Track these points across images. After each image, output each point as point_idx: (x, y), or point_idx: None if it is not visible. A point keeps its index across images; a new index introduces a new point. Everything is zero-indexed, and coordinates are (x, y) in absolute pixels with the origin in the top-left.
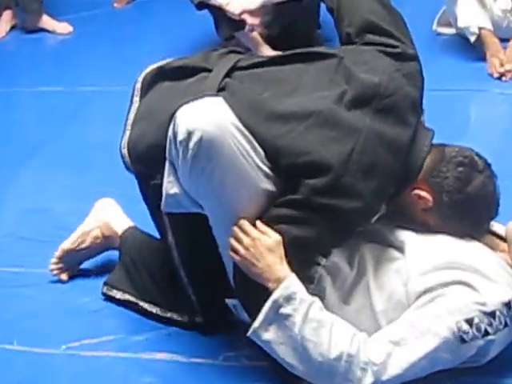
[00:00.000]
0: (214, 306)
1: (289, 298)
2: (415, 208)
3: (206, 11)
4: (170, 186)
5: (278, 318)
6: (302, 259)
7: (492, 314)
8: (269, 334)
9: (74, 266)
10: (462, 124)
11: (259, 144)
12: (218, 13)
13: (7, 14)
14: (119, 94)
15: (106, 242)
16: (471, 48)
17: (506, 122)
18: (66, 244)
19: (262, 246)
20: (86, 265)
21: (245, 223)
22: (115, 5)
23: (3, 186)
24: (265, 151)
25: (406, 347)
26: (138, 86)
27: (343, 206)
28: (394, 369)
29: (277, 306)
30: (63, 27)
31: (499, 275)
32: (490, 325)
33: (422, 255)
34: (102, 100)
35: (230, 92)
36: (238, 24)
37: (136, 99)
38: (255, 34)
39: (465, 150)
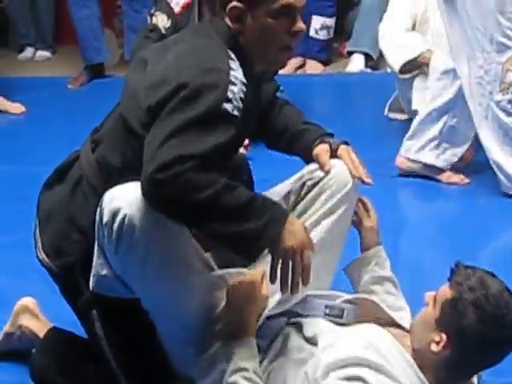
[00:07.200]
0: None
1: None
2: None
3: None
4: (100, 268)
5: None
6: None
7: None
8: None
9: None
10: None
11: None
12: None
13: None
14: None
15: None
16: None
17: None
18: None
19: None
20: None
21: None
22: (69, 86)
23: None
24: None
25: None
26: None
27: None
28: None
29: None
30: (16, 107)
31: (405, 375)
32: None
33: (335, 349)
34: None
35: None
36: None
37: None
38: None
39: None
